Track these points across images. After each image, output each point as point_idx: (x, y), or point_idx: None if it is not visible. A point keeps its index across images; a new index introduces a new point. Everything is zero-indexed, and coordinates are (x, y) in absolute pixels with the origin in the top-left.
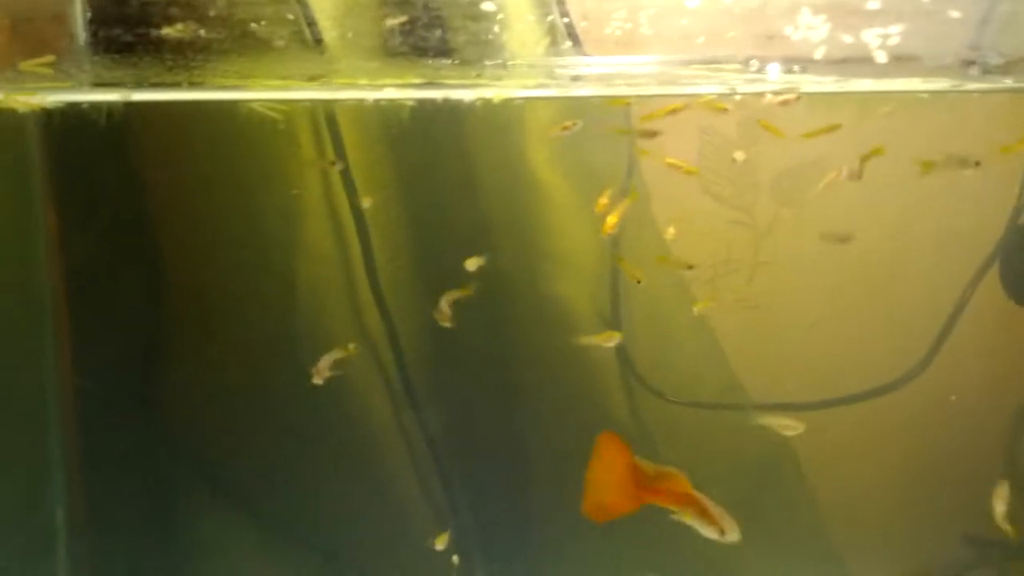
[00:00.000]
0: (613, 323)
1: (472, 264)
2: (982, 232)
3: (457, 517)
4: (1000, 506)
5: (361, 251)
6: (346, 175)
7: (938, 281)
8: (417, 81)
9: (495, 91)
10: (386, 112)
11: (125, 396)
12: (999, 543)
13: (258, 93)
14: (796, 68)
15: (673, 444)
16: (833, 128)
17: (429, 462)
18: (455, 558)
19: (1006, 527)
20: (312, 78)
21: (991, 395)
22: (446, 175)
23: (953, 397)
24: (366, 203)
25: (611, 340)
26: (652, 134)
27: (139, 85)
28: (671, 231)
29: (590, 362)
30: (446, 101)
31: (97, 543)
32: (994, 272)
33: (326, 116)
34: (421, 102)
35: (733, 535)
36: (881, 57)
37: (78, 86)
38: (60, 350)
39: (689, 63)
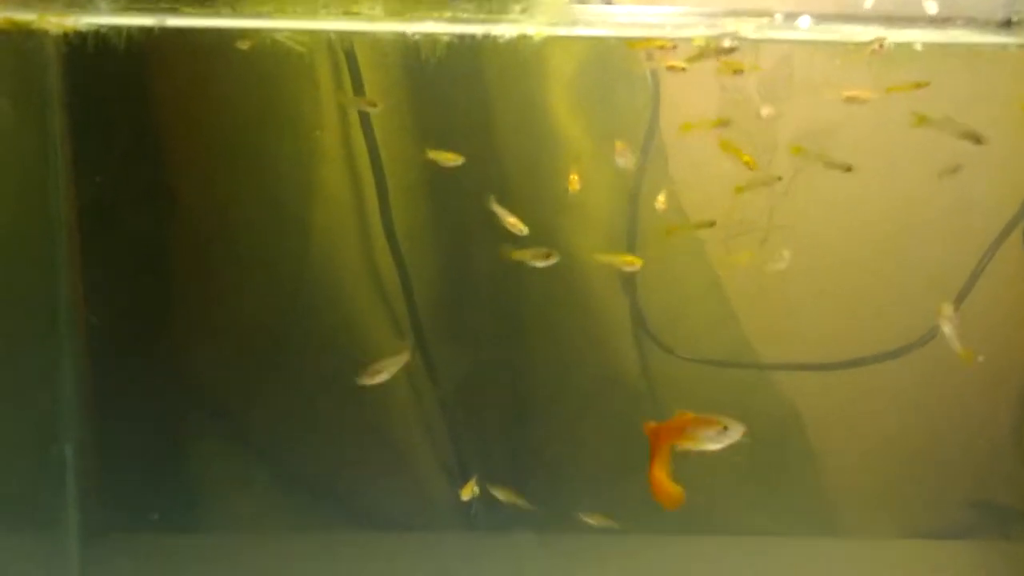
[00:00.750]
0: (627, 279)
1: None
2: (1003, 198)
3: (463, 468)
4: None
5: (377, 196)
6: (365, 119)
7: (957, 246)
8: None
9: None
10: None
11: (137, 335)
12: (1003, 508)
13: (286, 22)
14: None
15: (680, 401)
16: (921, 85)
17: (439, 412)
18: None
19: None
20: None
21: (1005, 360)
22: (466, 122)
23: (981, 357)
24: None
25: (631, 266)
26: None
27: (173, 10)
28: (660, 199)
29: (603, 316)
30: (486, 37)
31: (107, 479)
32: (1015, 238)
33: (346, 54)
34: (460, 38)
35: (737, 429)
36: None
37: (110, 9)
38: (73, 284)
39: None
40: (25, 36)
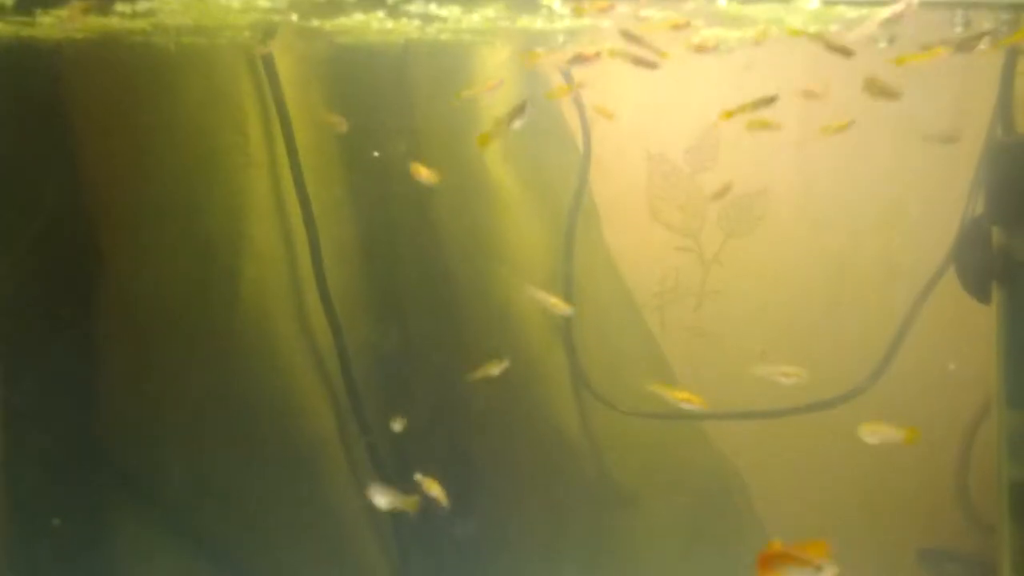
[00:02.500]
0: (565, 333)
1: None
2: (934, 240)
3: (399, 528)
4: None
5: (310, 252)
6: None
7: (889, 296)
8: None
9: None
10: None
11: (55, 398)
12: (956, 559)
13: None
14: None
15: (622, 456)
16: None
17: (371, 472)
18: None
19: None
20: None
21: (950, 398)
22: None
23: (952, 366)
24: None
25: (564, 310)
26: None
27: None
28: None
29: (542, 370)
30: None
31: (23, 543)
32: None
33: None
34: None
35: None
36: None
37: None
38: None
39: None
40: None
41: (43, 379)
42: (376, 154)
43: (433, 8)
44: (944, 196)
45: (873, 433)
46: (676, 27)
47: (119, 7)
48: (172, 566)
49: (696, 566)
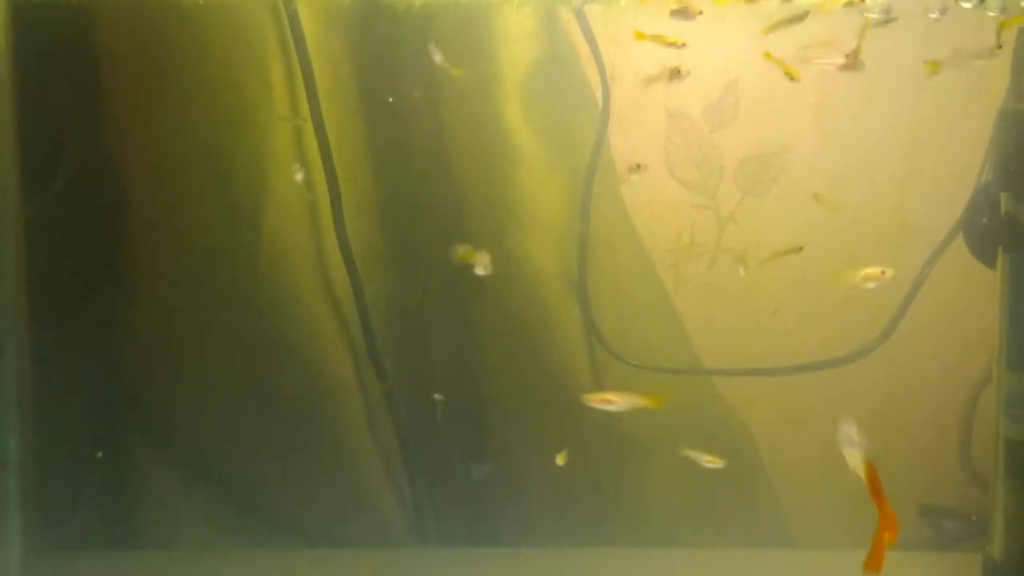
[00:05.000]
0: (579, 288)
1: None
2: (947, 202)
3: (412, 475)
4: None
5: (330, 201)
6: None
7: (904, 255)
8: None
9: None
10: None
11: (79, 340)
12: (951, 519)
13: None
14: None
15: (633, 412)
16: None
17: (388, 423)
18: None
19: None
20: None
21: (956, 362)
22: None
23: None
24: None
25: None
26: None
27: None
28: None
29: (556, 324)
30: None
31: (48, 487)
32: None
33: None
34: None
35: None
36: None
37: None
38: (16, 281)
39: None
40: None
41: (70, 326)
42: (390, 99)
43: None
44: (961, 159)
45: (604, 401)
46: None
47: None
48: (193, 510)
49: (703, 519)
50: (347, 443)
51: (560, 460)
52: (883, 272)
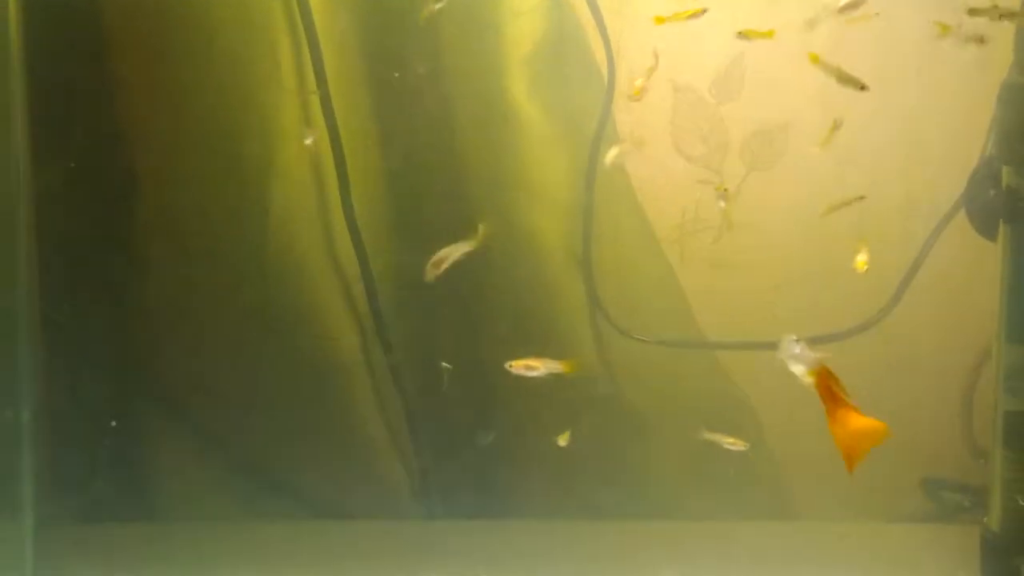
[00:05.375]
0: (584, 262)
1: None
2: (954, 176)
3: (418, 447)
4: None
5: (337, 177)
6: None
7: (912, 224)
8: None
9: None
10: None
11: (91, 317)
12: (956, 488)
13: None
14: None
15: (635, 385)
16: None
17: (394, 396)
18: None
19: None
20: None
21: (958, 335)
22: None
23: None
24: None
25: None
26: None
27: None
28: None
29: (560, 297)
30: None
31: (62, 455)
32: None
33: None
34: None
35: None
36: None
37: None
38: (29, 258)
39: None
40: None
41: (81, 299)
42: (396, 75)
43: None
44: (966, 133)
45: (526, 368)
46: None
47: None
48: (204, 479)
49: (705, 493)
50: (354, 416)
51: (562, 441)
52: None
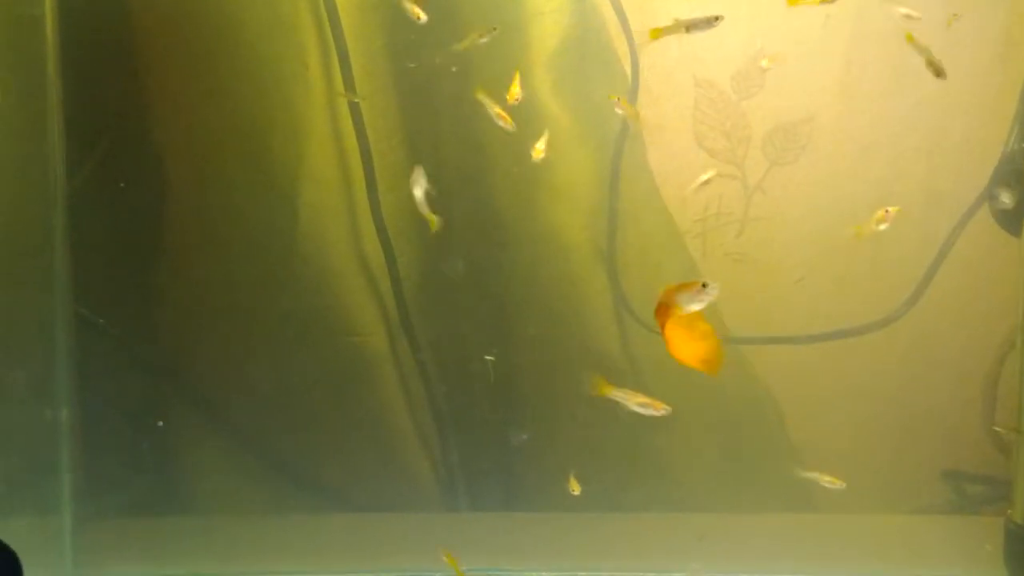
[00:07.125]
0: (608, 258)
1: None
2: (975, 171)
3: (445, 443)
4: None
5: (364, 175)
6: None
7: (928, 225)
8: None
9: None
10: None
11: (123, 316)
12: (973, 484)
13: None
14: None
15: (660, 378)
16: None
17: (422, 392)
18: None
19: None
20: None
21: (981, 329)
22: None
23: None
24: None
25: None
26: None
27: None
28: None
29: (585, 293)
30: None
31: (93, 450)
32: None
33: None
34: None
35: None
36: None
37: None
38: (63, 257)
39: None
40: None
41: (115, 300)
42: (412, 65)
43: None
44: (987, 127)
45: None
46: None
47: None
48: (232, 473)
49: (728, 486)
50: (382, 412)
51: (574, 489)
52: (887, 211)
